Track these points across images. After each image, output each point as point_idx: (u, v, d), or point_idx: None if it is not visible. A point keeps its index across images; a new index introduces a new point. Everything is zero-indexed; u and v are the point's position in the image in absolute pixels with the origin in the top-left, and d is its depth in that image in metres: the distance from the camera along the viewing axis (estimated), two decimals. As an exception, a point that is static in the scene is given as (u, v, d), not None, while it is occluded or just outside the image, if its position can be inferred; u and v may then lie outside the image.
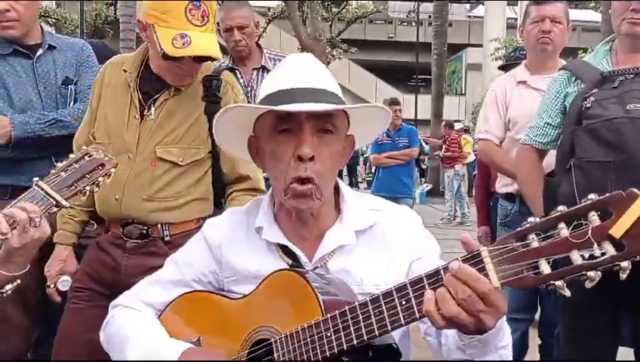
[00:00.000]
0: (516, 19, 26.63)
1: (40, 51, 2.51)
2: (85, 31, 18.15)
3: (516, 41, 21.29)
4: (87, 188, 1.49)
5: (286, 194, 1.32)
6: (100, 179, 1.50)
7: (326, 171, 1.31)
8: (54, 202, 1.44)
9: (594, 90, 2.07)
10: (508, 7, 26.67)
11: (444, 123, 13.79)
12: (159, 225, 2.04)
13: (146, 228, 2.04)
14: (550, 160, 2.36)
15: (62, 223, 2.19)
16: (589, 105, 2.04)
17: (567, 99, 2.22)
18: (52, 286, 2.16)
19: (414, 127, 7.12)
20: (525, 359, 3.64)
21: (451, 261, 1.02)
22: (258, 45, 3.37)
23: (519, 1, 25.90)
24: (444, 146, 12.32)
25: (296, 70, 1.36)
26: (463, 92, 29.26)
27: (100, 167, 1.50)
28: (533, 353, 3.55)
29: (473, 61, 27.67)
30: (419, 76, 23.20)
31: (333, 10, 23.62)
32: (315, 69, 1.37)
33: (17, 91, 2.43)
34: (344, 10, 24.42)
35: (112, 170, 1.52)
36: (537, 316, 3.82)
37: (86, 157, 1.50)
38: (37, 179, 1.46)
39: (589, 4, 21.59)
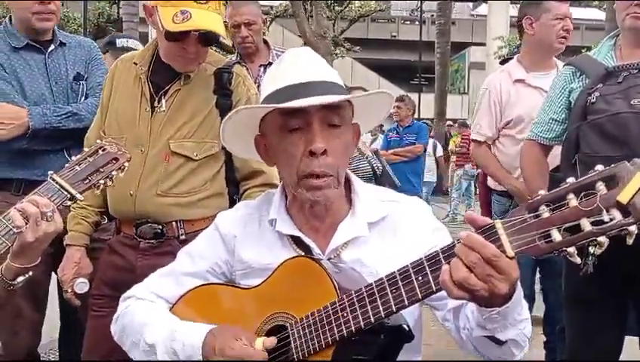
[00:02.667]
0: (519, 17, 26.56)
1: (52, 47, 2.53)
2: (88, 29, 18.19)
3: (519, 40, 21.25)
4: (102, 181, 1.50)
5: (299, 187, 1.33)
6: (114, 172, 1.51)
7: (339, 162, 1.34)
8: (69, 195, 1.46)
9: (598, 85, 2.09)
10: (511, 6, 26.59)
11: (458, 122, 13.83)
12: (174, 223, 2.02)
13: (160, 227, 2.02)
14: (555, 155, 2.38)
15: (74, 224, 2.16)
16: (593, 100, 2.06)
17: (572, 94, 2.24)
18: (69, 290, 2.15)
19: (424, 125, 7.06)
20: (529, 358, 3.66)
21: (464, 232, 1.06)
22: (265, 42, 3.39)
23: (522, 0, 25.84)
24: (456, 143, 12.31)
25: (296, 65, 1.37)
26: (466, 91, 29.18)
27: (114, 161, 1.52)
28: (538, 350, 3.57)
29: (476, 60, 27.60)
30: (422, 75, 23.16)
31: (336, 8, 23.60)
32: (314, 62, 1.39)
33: (30, 85, 2.46)
34: (347, 9, 24.40)
35: (126, 163, 1.53)
36: (542, 313, 3.84)
37: (100, 151, 1.52)
38: (52, 172, 1.48)
39: (592, 3, 21.55)
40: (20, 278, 1.48)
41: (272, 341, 1.27)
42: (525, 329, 1.18)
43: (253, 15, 3.24)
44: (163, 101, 2.04)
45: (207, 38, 1.96)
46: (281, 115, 1.32)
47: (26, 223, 1.39)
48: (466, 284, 1.03)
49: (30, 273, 1.48)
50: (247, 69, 3.25)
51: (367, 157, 3.99)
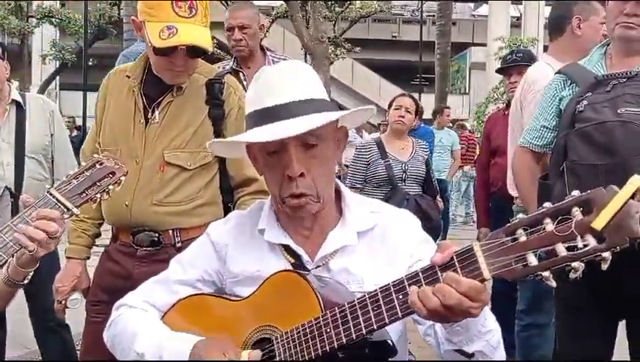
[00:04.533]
0: (520, 18, 26.56)
1: None
2: (89, 31, 18.22)
3: (520, 40, 21.32)
4: (98, 195, 1.52)
5: (282, 204, 1.37)
6: (111, 186, 1.53)
7: (319, 179, 1.36)
8: (65, 209, 1.48)
9: (587, 94, 2.10)
10: (512, 6, 26.58)
11: (457, 124, 13.84)
12: (170, 231, 2.05)
13: (157, 235, 2.05)
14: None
15: (74, 237, 2.19)
16: (582, 108, 2.08)
17: (563, 102, 2.25)
18: (63, 302, 2.18)
19: (430, 129, 6.96)
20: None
21: (444, 252, 1.09)
22: (262, 48, 3.42)
23: (523, 0, 25.83)
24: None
25: (273, 84, 1.37)
26: (467, 91, 29.17)
27: (111, 175, 1.53)
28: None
29: (477, 60, 27.57)
30: (422, 75, 23.16)
31: (337, 9, 23.59)
32: (293, 78, 1.38)
33: None
34: (348, 10, 24.37)
35: (123, 178, 1.55)
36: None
37: (97, 165, 1.53)
38: (49, 186, 1.51)
39: (592, 3, 21.47)
40: (29, 276, 1.53)
41: (257, 354, 1.30)
42: (492, 339, 1.20)
43: (248, 19, 3.27)
44: (156, 113, 2.06)
45: (195, 51, 1.98)
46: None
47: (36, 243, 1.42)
48: (439, 312, 1.07)
49: (32, 272, 1.53)
50: (244, 75, 3.30)
51: (386, 161, 3.98)
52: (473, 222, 11.36)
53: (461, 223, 11.41)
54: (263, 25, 3.50)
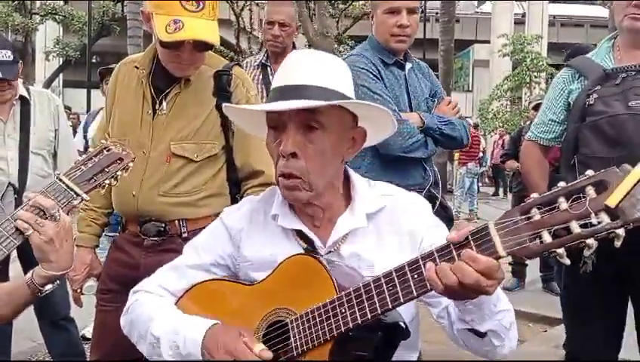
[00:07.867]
0: (524, 15, 26.51)
1: (409, 65, 2.71)
2: (93, 28, 18.25)
3: (524, 38, 21.26)
4: (107, 181, 1.53)
5: (278, 183, 1.39)
6: (119, 173, 1.54)
7: (313, 166, 1.35)
8: (75, 195, 1.49)
9: (597, 87, 2.11)
10: (515, 4, 26.53)
11: None
12: (177, 222, 2.06)
13: (163, 225, 2.06)
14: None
15: (84, 226, 2.22)
16: (592, 101, 2.09)
17: (571, 95, 2.27)
18: (79, 290, 2.23)
19: None
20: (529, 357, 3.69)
21: (459, 231, 1.10)
22: (294, 45, 3.45)
23: (526, -2, 25.79)
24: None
25: (293, 67, 1.40)
26: (470, 88, 29.12)
27: (119, 161, 1.54)
28: (538, 347, 3.60)
29: (480, 57, 27.55)
30: (426, 73, 23.12)
31: (340, 6, 23.58)
32: (310, 65, 1.39)
33: (401, 97, 2.61)
34: (351, 7, 24.37)
35: (130, 163, 1.56)
36: (543, 311, 3.87)
37: (105, 152, 1.54)
38: (58, 172, 1.52)
39: (596, 1, 21.49)
40: (49, 286, 1.47)
41: (269, 354, 1.29)
42: (503, 320, 1.21)
43: (289, 17, 3.34)
44: (164, 104, 2.07)
45: (202, 45, 1.97)
46: (267, 113, 1.39)
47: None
48: (455, 289, 1.08)
49: (58, 282, 1.48)
50: (272, 70, 3.33)
51: None
52: (478, 218, 11.40)
53: (465, 220, 11.40)
54: (299, 26, 3.55)
